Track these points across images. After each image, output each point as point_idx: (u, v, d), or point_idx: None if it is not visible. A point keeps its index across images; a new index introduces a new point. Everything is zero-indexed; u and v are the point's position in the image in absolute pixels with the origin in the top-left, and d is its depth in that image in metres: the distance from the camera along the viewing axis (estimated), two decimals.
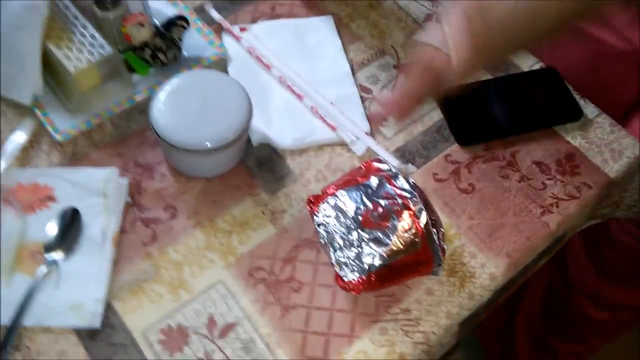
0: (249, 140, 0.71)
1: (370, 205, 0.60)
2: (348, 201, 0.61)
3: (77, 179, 0.65)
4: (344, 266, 0.59)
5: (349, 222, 0.60)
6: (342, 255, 0.59)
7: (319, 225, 0.61)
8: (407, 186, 0.61)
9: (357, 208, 0.60)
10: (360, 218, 0.59)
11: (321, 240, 0.61)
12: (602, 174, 0.71)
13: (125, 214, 0.65)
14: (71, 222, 0.62)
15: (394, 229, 0.59)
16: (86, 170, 0.66)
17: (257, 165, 0.70)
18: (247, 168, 0.70)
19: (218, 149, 0.64)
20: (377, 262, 0.58)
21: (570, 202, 0.69)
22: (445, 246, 0.61)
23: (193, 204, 0.67)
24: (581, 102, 0.76)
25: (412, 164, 0.71)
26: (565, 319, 1.04)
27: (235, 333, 0.59)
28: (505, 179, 0.71)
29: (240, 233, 0.65)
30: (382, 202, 0.60)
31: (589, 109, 0.76)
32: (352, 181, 0.63)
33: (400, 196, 0.60)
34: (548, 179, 0.71)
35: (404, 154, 0.72)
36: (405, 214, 0.59)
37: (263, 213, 0.67)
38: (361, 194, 0.61)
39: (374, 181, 0.62)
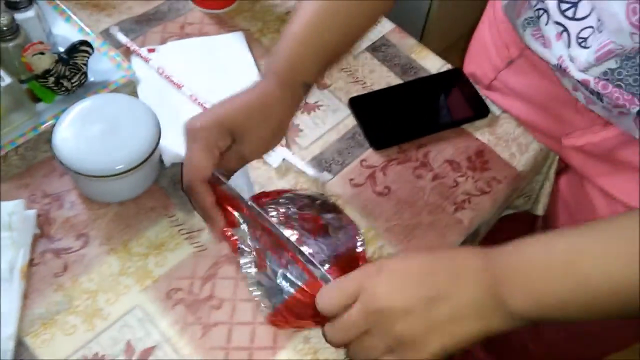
0: (161, 161, 0.70)
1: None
2: None
3: None
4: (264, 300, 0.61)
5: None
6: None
7: None
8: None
9: None
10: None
11: None
12: (511, 167, 0.74)
13: (34, 246, 0.63)
14: None
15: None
16: None
17: (172, 185, 0.69)
18: (162, 189, 0.69)
19: (126, 172, 0.63)
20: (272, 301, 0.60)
21: (481, 197, 0.71)
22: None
23: (106, 230, 0.65)
24: (487, 100, 0.79)
25: (329, 171, 0.72)
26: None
27: (154, 357, 0.58)
28: (419, 179, 0.72)
29: (157, 255, 0.64)
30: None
31: (495, 107, 0.79)
32: None
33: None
34: (460, 176, 0.73)
35: (321, 162, 0.73)
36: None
37: (180, 233, 0.66)
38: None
39: None
